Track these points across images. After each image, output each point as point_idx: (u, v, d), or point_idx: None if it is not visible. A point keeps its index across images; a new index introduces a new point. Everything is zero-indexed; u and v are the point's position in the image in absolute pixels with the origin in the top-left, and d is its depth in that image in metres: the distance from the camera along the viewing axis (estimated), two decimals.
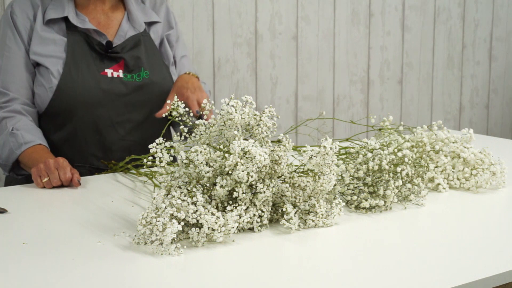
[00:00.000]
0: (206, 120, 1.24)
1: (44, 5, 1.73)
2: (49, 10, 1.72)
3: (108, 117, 1.72)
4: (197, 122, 1.22)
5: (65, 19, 1.73)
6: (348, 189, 1.30)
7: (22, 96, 1.70)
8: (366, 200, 1.27)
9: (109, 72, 1.72)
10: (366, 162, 1.30)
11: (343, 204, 1.22)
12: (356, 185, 1.30)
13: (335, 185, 1.27)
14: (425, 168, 1.40)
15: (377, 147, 1.31)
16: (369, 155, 1.29)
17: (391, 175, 1.29)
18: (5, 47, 1.72)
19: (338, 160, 1.35)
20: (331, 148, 1.17)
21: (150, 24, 1.83)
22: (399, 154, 1.30)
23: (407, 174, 1.31)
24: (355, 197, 1.28)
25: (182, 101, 1.53)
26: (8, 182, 1.79)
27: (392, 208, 1.30)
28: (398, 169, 1.29)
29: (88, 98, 1.69)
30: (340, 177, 1.30)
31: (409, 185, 1.31)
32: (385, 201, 1.28)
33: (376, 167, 1.28)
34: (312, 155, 1.18)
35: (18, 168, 1.67)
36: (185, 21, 2.62)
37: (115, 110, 1.73)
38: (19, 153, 1.61)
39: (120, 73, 1.73)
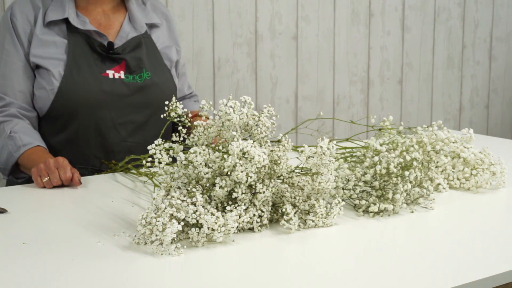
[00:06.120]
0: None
1: (45, 6, 1.72)
2: (49, 11, 1.71)
3: (110, 118, 1.72)
4: (195, 123, 1.22)
5: (66, 21, 1.72)
6: (354, 192, 1.29)
7: (19, 100, 1.69)
8: (375, 204, 1.26)
9: (110, 73, 1.72)
10: (373, 166, 1.28)
11: (343, 203, 1.22)
12: (363, 189, 1.29)
13: (343, 188, 1.27)
14: (428, 168, 1.40)
15: (384, 150, 1.29)
16: (376, 158, 1.28)
17: (399, 179, 1.27)
18: (3, 50, 1.71)
19: (344, 163, 1.34)
20: (328, 148, 1.17)
21: (151, 26, 1.83)
22: (408, 157, 1.29)
23: (415, 178, 1.30)
24: (363, 202, 1.26)
25: None
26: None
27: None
28: (406, 173, 1.27)
29: (90, 100, 1.68)
30: (346, 181, 1.29)
31: (417, 189, 1.30)
32: (394, 205, 1.27)
33: (384, 171, 1.26)
34: (309, 156, 1.18)
35: (18, 171, 1.66)
36: (185, 21, 2.62)
37: (117, 112, 1.72)
38: (18, 155, 1.61)
39: (122, 74, 1.73)
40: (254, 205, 1.16)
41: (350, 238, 1.16)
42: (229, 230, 1.10)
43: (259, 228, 1.17)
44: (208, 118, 1.24)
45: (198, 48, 2.67)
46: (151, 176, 1.45)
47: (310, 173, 1.20)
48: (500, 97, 3.63)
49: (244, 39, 2.77)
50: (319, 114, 1.49)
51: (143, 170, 1.54)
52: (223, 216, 1.11)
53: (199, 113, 1.25)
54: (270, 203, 1.18)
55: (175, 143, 1.23)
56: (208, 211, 1.09)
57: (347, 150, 1.51)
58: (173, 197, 1.10)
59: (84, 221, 1.23)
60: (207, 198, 1.15)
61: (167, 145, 1.21)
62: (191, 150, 1.15)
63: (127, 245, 1.09)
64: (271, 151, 1.18)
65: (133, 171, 1.59)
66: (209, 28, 2.68)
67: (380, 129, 1.52)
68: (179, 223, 1.08)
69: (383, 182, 1.27)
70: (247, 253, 1.08)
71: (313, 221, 1.18)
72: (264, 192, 1.14)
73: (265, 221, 1.17)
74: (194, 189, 1.13)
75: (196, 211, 1.08)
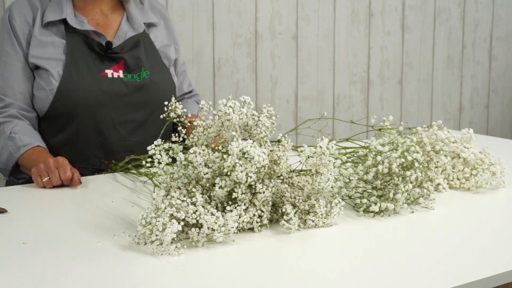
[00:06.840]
0: None
1: (43, 7, 1.72)
2: (47, 12, 1.71)
3: (110, 118, 1.72)
4: (195, 123, 1.22)
5: (64, 21, 1.72)
6: (356, 192, 1.29)
7: (18, 101, 1.70)
8: (376, 203, 1.26)
9: (109, 72, 1.72)
10: (376, 165, 1.28)
11: (343, 203, 1.21)
12: (364, 189, 1.29)
13: (345, 187, 1.26)
14: (428, 169, 1.39)
15: (386, 150, 1.29)
16: (379, 158, 1.27)
17: (400, 179, 1.27)
18: (2, 52, 1.71)
19: (346, 162, 1.34)
20: (327, 148, 1.17)
21: (149, 25, 1.83)
22: (409, 158, 1.28)
23: (416, 178, 1.29)
24: (364, 200, 1.26)
25: None
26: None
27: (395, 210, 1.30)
28: (408, 173, 1.27)
29: (89, 100, 1.68)
30: (348, 180, 1.29)
31: (418, 189, 1.30)
32: (395, 205, 1.27)
33: (386, 170, 1.26)
34: (308, 156, 1.18)
35: (18, 171, 1.66)
36: (185, 21, 2.62)
37: (116, 111, 1.72)
38: (18, 156, 1.61)
39: (120, 74, 1.73)
40: (254, 205, 1.16)
41: (350, 238, 1.16)
42: (229, 230, 1.10)
43: (259, 228, 1.16)
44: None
45: (198, 48, 2.67)
46: (151, 176, 1.45)
47: (310, 173, 1.19)
48: (500, 97, 3.63)
49: (244, 39, 2.77)
50: (323, 115, 1.49)
51: (143, 170, 1.54)
52: (223, 216, 1.11)
53: (198, 113, 1.25)
54: (270, 203, 1.18)
55: (174, 144, 1.23)
56: (208, 211, 1.09)
57: (348, 150, 1.51)
58: (173, 197, 1.10)
59: (84, 221, 1.23)
60: (207, 198, 1.15)
61: (166, 145, 1.21)
62: (191, 150, 1.15)
63: (127, 245, 1.09)
64: (271, 151, 1.18)
65: (133, 171, 1.60)
66: (209, 28, 2.68)
67: (380, 129, 1.52)
68: (179, 223, 1.08)
69: (384, 182, 1.27)
70: (247, 253, 1.08)
71: (313, 221, 1.18)
72: (264, 192, 1.14)
73: (265, 221, 1.17)
74: (194, 189, 1.13)
75: (196, 211, 1.08)
